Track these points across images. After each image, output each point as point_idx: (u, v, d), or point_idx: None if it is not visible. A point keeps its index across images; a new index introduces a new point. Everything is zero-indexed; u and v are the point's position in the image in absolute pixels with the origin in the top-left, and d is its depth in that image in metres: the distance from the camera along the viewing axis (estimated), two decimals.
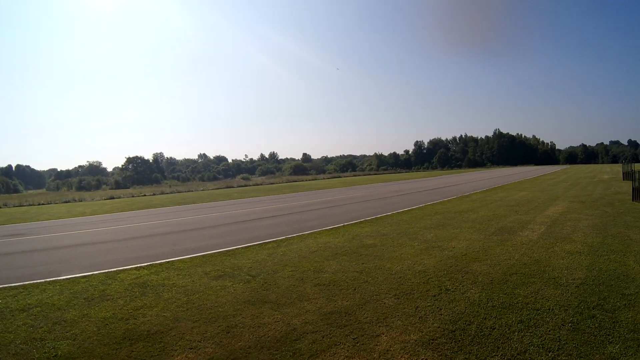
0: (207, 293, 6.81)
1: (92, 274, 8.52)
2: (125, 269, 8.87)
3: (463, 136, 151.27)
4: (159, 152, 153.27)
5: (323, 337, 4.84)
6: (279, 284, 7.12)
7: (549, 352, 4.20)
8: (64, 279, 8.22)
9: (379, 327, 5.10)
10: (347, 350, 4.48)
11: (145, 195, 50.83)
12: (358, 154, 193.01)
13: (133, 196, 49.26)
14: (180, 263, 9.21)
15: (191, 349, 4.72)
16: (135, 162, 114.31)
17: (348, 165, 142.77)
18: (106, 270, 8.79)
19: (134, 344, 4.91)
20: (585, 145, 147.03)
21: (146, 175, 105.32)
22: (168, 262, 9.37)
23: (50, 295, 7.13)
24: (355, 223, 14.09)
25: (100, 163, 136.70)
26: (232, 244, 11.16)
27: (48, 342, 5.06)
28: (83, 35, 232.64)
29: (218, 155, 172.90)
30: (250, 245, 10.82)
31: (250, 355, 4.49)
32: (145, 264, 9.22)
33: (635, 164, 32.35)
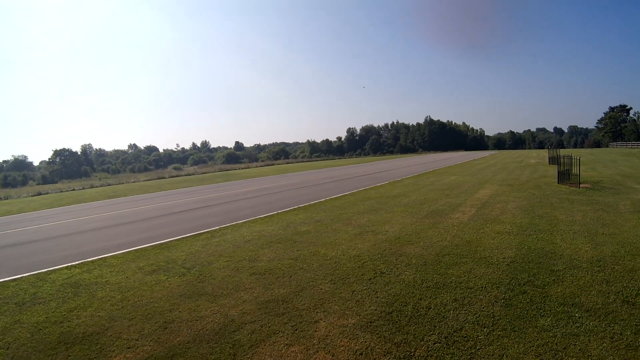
0: (141, 289, 6.65)
1: (22, 277, 8.01)
2: (56, 269, 8.44)
3: (395, 123, 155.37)
4: (87, 143, 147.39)
5: (262, 327, 4.86)
6: (215, 275, 7.05)
7: (484, 327, 4.42)
8: None
9: (317, 313, 5.16)
10: (287, 338, 4.52)
11: (74, 189, 48.13)
12: (291, 142, 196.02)
13: (62, 191, 46.50)
14: (113, 259, 8.91)
15: (129, 348, 4.62)
16: (62, 155, 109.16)
17: (281, 153, 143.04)
18: (36, 272, 8.34)
19: (70, 348, 4.73)
20: (513, 131, 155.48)
21: (75, 168, 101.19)
22: (100, 258, 9.08)
23: None
24: (289, 210, 14.10)
25: (26, 157, 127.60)
26: (166, 237, 10.92)
27: None
28: (1, 21, 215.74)
29: (149, 145, 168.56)
30: (184, 237, 10.64)
31: (189, 350, 4.43)
32: (77, 262, 8.84)
33: (560, 149, 34.42)
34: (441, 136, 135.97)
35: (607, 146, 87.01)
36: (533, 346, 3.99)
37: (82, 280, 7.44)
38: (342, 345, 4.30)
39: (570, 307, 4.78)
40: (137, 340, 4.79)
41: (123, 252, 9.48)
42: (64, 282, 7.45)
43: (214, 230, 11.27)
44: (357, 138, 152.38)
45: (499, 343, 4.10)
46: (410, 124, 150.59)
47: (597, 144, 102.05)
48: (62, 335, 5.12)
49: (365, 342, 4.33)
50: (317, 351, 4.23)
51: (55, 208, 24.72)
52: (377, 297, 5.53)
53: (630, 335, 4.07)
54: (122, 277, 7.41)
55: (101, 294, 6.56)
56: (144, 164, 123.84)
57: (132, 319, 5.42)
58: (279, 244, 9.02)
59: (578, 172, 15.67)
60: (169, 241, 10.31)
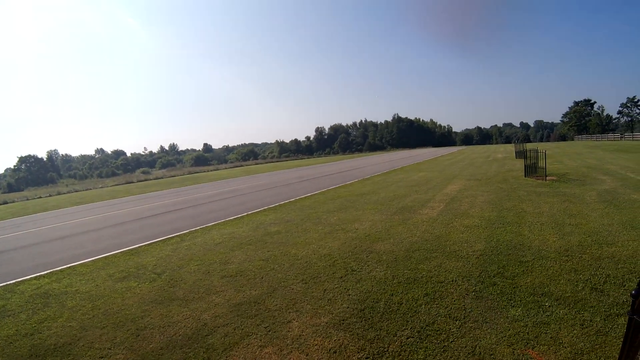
0: (112, 297, 6.57)
1: None
2: (25, 280, 8.30)
3: (363, 121, 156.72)
4: (53, 149, 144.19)
5: (235, 330, 4.84)
6: (186, 280, 7.00)
7: (456, 320, 4.48)
8: None
9: (289, 313, 5.17)
10: (260, 340, 4.52)
11: (41, 197, 47.44)
12: (260, 142, 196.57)
13: (28, 199, 45.69)
14: (82, 267, 8.78)
15: (101, 357, 4.55)
16: (28, 162, 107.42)
17: (250, 154, 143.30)
18: (4, 284, 8.18)
19: None
20: (480, 127, 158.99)
21: (41, 175, 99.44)
22: (69, 267, 8.96)
23: None
24: (259, 211, 14.07)
25: None
26: (135, 242, 10.82)
27: None
28: None
29: (116, 149, 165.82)
30: (153, 242, 10.57)
31: (162, 357, 4.39)
32: (46, 272, 8.71)
33: (527, 143, 35.14)
34: (409, 133, 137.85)
35: (573, 139, 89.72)
36: (505, 336, 4.06)
37: (51, 290, 7.30)
38: (316, 345, 4.29)
39: (540, 297, 4.88)
40: (110, 349, 4.72)
41: (92, 260, 9.34)
42: (33, 292, 7.30)
43: (184, 234, 11.18)
44: (326, 137, 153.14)
45: (471, 335, 4.16)
46: (379, 122, 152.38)
47: (563, 138, 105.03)
48: (33, 347, 5.01)
49: (339, 340, 4.34)
50: (291, 351, 4.22)
51: (22, 217, 24.20)
52: (349, 295, 5.55)
53: (600, 322, 4.18)
54: (92, 286, 7.29)
55: (71, 304, 6.45)
56: (112, 169, 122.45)
57: (103, 328, 5.33)
58: (250, 246, 8.98)
59: (544, 165, 16.03)
60: (139, 247, 10.20)
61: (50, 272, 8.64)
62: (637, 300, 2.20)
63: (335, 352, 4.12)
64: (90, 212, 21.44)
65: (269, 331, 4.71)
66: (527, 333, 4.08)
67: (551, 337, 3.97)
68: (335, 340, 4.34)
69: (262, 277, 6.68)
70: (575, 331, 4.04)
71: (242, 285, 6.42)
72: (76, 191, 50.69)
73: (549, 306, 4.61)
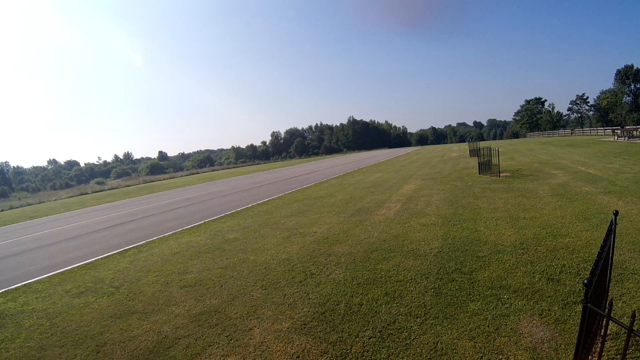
0: (70, 313, 6.39)
1: None
2: None
3: (319, 125, 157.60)
4: (4, 161, 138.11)
5: (196, 340, 4.79)
6: (144, 292, 6.87)
7: (417, 318, 4.54)
8: None
9: (250, 320, 5.13)
10: (222, 349, 4.47)
11: None
12: (215, 148, 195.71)
13: None
14: (37, 284, 8.49)
15: None
16: None
17: (206, 161, 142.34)
18: None
19: None
20: (435, 127, 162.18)
21: None
22: (24, 285, 8.66)
23: None
24: (216, 219, 13.94)
25: None
26: (92, 255, 10.57)
27: None
28: None
29: (69, 159, 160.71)
30: (110, 255, 10.34)
31: None
32: (0, 291, 8.32)
33: (481, 141, 36.03)
34: (365, 135, 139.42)
35: (525, 136, 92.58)
36: (466, 330, 4.14)
37: (7, 310, 7.03)
38: (279, 350, 4.27)
39: (498, 290, 5.00)
40: None
41: (48, 276, 9.05)
42: None
43: (141, 245, 10.98)
44: (282, 141, 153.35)
45: (432, 331, 4.22)
46: (334, 125, 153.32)
47: (516, 135, 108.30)
48: None
49: (301, 344, 4.32)
50: (254, 359, 4.18)
51: None
52: (309, 299, 5.54)
53: (558, 310, 4.32)
54: (49, 303, 7.07)
55: (28, 323, 6.23)
56: (65, 180, 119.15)
57: (63, 346, 5.17)
58: (208, 254, 8.89)
59: (498, 162, 16.51)
60: (95, 260, 9.96)
61: (5, 291, 8.30)
62: (589, 289, 2.27)
63: (298, 356, 4.10)
64: (44, 226, 20.63)
65: (231, 340, 4.65)
66: (488, 326, 4.17)
67: (511, 329, 4.06)
68: (297, 344, 4.32)
69: (222, 286, 6.61)
70: (534, 321, 4.15)
71: (202, 294, 6.34)
72: (29, 204, 48.72)
73: (508, 298, 4.73)
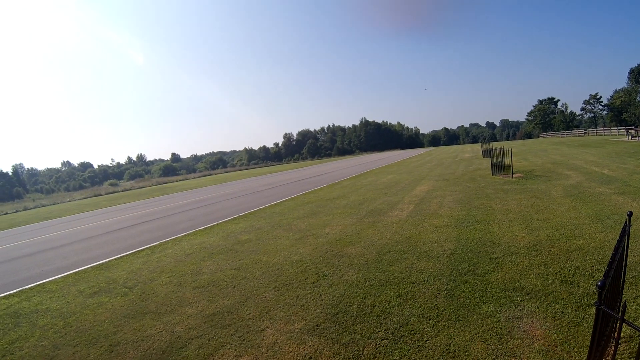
0: (84, 313, 6.46)
1: None
2: None
3: (331, 126, 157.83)
4: (18, 163, 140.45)
5: (209, 340, 4.80)
6: (158, 292, 6.91)
7: (429, 319, 4.52)
8: None
9: (263, 321, 5.14)
10: (235, 350, 4.48)
11: (7, 213, 45.73)
12: (228, 150, 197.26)
13: None
14: (52, 284, 8.61)
15: None
16: None
17: (219, 162, 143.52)
18: None
19: None
20: (447, 128, 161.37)
21: (6, 190, 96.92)
22: (39, 285, 8.77)
23: None
24: (229, 220, 14.02)
25: None
26: (105, 256, 10.68)
27: None
28: None
29: (83, 161, 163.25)
30: (124, 255, 10.44)
31: None
32: (15, 291, 8.52)
33: (493, 142, 35.80)
34: (377, 136, 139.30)
35: (538, 137, 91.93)
36: (478, 332, 4.11)
37: (21, 310, 7.13)
38: (291, 351, 4.27)
39: (511, 292, 4.97)
40: None
41: (62, 276, 9.17)
42: (3, 312, 7.12)
43: (154, 246, 11.06)
44: (294, 143, 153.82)
45: (445, 333, 4.20)
46: (347, 126, 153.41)
47: (529, 135, 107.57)
48: None
49: (313, 345, 4.32)
50: (267, 359, 4.19)
51: None
52: (322, 300, 5.54)
53: (572, 313, 4.27)
54: (63, 303, 7.15)
55: (42, 322, 6.32)
56: (79, 182, 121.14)
57: (76, 346, 5.22)
58: (221, 255, 8.93)
59: (511, 163, 16.38)
60: (109, 261, 10.06)
61: (20, 291, 8.43)
62: (603, 291, 2.25)
63: (310, 357, 4.10)
64: (58, 227, 20.92)
65: (244, 340, 4.66)
66: (500, 328, 4.14)
67: (524, 331, 4.03)
68: (310, 345, 4.32)
69: (235, 287, 6.63)
70: (547, 323, 4.11)
71: (215, 295, 6.37)
72: (43, 206, 49.54)
73: (521, 300, 4.69)
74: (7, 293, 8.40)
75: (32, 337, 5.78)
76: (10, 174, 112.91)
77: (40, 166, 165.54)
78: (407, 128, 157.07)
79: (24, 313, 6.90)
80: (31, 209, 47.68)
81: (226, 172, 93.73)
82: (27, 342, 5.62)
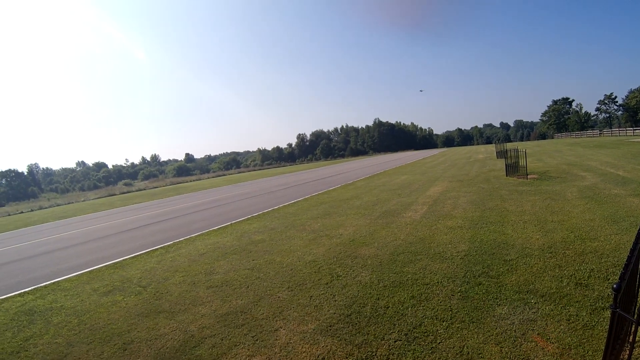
0: (98, 311, 6.54)
1: None
2: (9, 297, 8.22)
3: (344, 127, 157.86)
4: (33, 163, 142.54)
5: (222, 340, 4.84)
6: (171, 292, 6.97)
7: (443, 321, 4.51)
8: None
9: (276, 321, 5.17)
10: (248, 349, 4.51)
11: (22, 212, 46.69)
12: (242, 150, 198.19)
13: (9, 214, 44.96)
14: (66, 282, 8.72)
15: None
16: (8, 177, 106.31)
17: (232, 163, 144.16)
18: None
19: None
20: (461, 129, 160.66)
21: (22, 190, 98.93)
22: (54, 283, 8.89)
23: None
24: (242, 220, 14.07)
25: None
26: (119, 255, 10.79)
27: None
28: None
29: (97, 161, 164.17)
30: (138, 255, 10.52)
31: None
32: (30, 289, 8.65)
33: (507, 143, 35.53)
34: (390, 137, 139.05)
35: (553, 137, 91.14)
36: (492, 335, 4.10)
37: (36, 307, 7.23)
38: (304, 352, 4.30)
39: (525, 294, 4.94)
40: None
41: (77, 275, 9.27)
42: (18, 310, 7.22)
43: (168, 246, 11.13)
44: (308, 143, 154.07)
45: (458, 335, 4.19)
46: (360, 127, 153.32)
47: (543, 136, 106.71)
48: None
49: (327, 346, 4.34)
50: (280, 359, 4.21)
51: (3, 233, 23.85)
52: (335, 301, 5.56)
53: (586, 316, 4.24)
54: (77, 301, 7.24)
55: (57, 320, 6.41)
56: (94, 182, 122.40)
57: (90, 343, 5.29)
58: (235, 255, 8.97)
59: (525, 164, 16.27)
60: (123, 260, 10.15)
61: (35, 289, 8.55)
62: (619, 294, 2.24)
63: (323, 358, 4.12)
64: (73, 226, 21.21)
65: (257, 340, 4.70)
66: (514, 331, 4.12)
67: (538, 334, 4.01)
68: (323, 346, 4.34)
69: (248, 286, 6.67)
70: (562, 326, 4.09)
71: (228, 295, 6.41)
72: (58, 205, 50.38)
73: (535, 303, 4.67)
74: (22, 291, 8.53)
75: (47, 334, 5.87)
76: (25, 173, 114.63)
77: (55, 166, 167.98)
78: (421, 129, 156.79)
79: (39, 311, 7.00)
80: (46, 208, 48.41)
81: (240, 172, 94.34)
82: (42, 339, 5.71)
